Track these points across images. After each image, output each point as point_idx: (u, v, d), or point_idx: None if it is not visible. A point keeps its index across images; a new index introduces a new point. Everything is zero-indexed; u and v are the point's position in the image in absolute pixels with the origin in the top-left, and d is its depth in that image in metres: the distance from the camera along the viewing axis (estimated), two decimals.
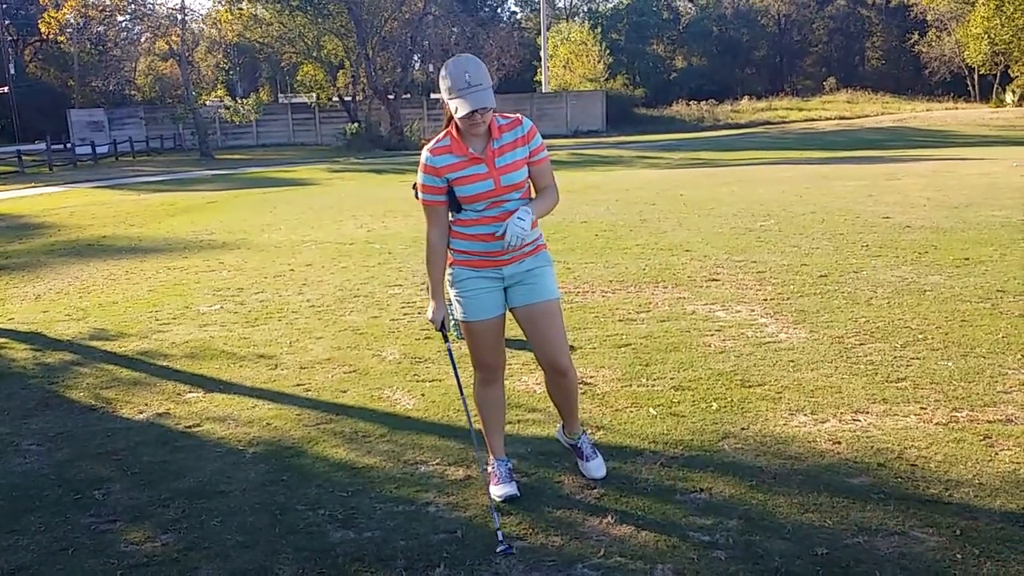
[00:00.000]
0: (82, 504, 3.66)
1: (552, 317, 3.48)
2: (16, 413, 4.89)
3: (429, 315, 3.52)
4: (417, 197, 3.47)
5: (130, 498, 3.70)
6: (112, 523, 3.48)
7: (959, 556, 2.95)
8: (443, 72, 3.24)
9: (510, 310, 3.53)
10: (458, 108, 3.21)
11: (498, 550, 3.10)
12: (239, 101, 40.54)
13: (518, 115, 3.46)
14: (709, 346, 5.51)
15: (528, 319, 3.48)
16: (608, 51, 53.48)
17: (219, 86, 46.38)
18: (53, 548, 3.29)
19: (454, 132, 3.35)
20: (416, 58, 48.61)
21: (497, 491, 3.53)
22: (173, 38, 38.22)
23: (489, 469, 3.66)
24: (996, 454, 3.74)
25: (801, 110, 50.54)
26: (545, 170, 3.49)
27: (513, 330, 3.71)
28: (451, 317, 6.04)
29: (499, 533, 3.18)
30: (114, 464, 4.08)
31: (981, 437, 3.91)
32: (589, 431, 4.12)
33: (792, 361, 5.12)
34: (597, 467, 3.70)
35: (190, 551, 3.21)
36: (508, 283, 3.48)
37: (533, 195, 3.50)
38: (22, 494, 3.79)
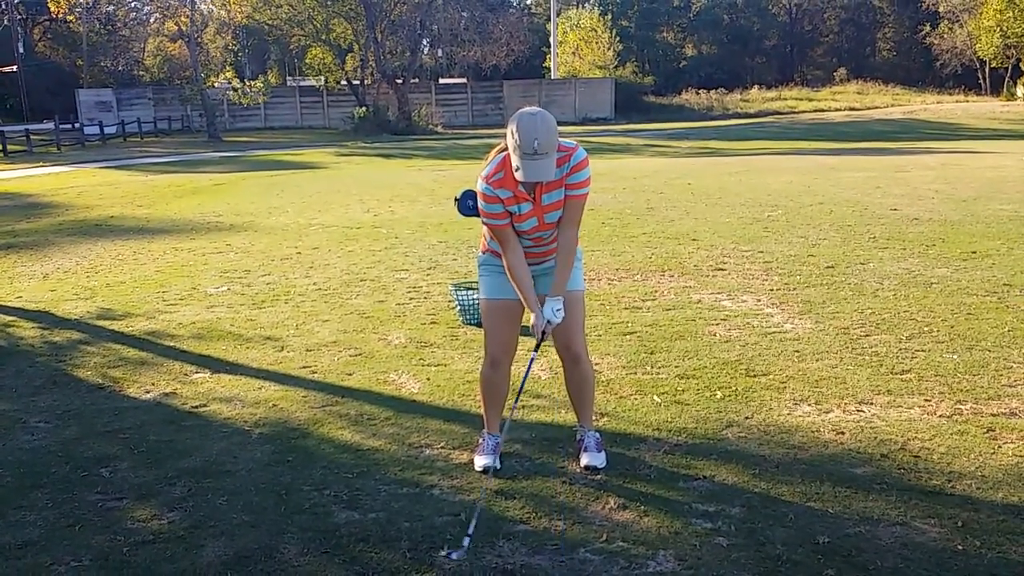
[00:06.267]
0: (89, 481, 3.69)
1: (571, 304, 3.55)
2: (24, 391, 4.92)
3: (532, 330, 3.48)
4: (459, 210, 3.53)
5: (137, 476, 3.73)
6: (119, 500, 3.51)
7: (960, 547, 2.96)
8: (513, 125, 3.22)
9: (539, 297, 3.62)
10: (518, 169, 3.23)
11: (442, 553, 2.98)
12: (247, 83, 40.52)
13: (573, 146, 3.37)
14: (714, 335, 5.52)
15: None
16: (618, 38, 53.25)
17: (228, 68, 46.45)
18: (60, 524, 3.32)
19: (508, 167, 3.34)
20: (425, 43, 48.48)
21: (479, 461, 3.69)
22: (182, 19, 38.20)
23: (479, 440, 3.81)
24: (999, 447, 3.75)
25: (811, 100, 50.35)
26: (575, 207, 3.42)
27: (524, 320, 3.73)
28: (456, 302, 6.07)
29: (467, 539, 3.01)
30: (121, 442, 4.11)
31: (984, 430, 3.92)
32: (593, 417, 4.14)
33: (797, 351, 5.13)
34: (591, 458, 3.64)
35: (196, 529, 3.24)
36: (534, 274, 3.58)
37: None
38: (30, 470, 3.82)
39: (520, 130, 3.18)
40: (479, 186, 3.41)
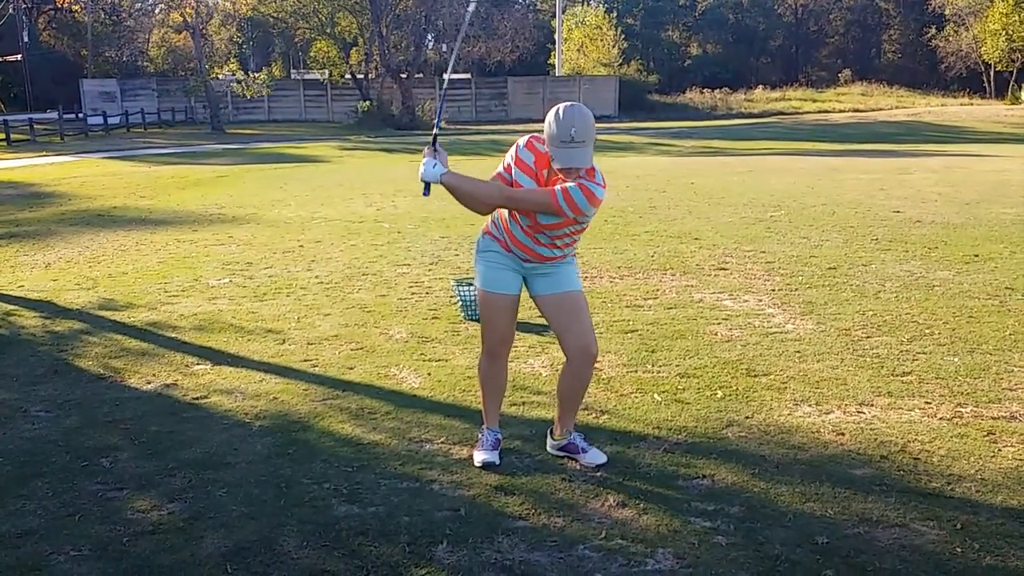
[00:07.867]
0: (89, 471, 3.70)
1: (581, 303, 3.60)
2: (25, 380, 4.93)
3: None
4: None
5: (137, 467, 3.73)
6: (119, 491, 3.51)
7: (959, 550, 2.96)
8: (551, 117, 3.30)
9: (533, 298, 3.65)
10: (554, 158, 3.30)
11: None
12: (251, 75, 40.45)
13: (600, 181, 3.40)
14: (716, 335, 5.52)
15: (556, 306, 3.59)
16: (623, 36, 53.12)
17: (232, 60, 46.34)
18: (60, 513, 3.32)
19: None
20: (430, 37, 48.36)
21: (478, 456, 3.70)
22: (187, 10, 38.09)
23: (479, 436, 3.81)
24: (999, 450, 3.75)
25: (815, 101, 50.21)
26: (519, 189, 3.42)
27: (522, 314, 3.73)
28: (458, 298, 6.07)
29: None
30: (122, 433, 4.11)
31: (985, 433, 3.92)
32: (593, 415, 4.16)
33: (798, 352, 5.13)
34: (596, 455, 3.68)
35: (195, 520, 3.24)
36: (526, 273, 3.61)
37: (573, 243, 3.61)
38: (30, 459, 3.83)
39: (557, 119, 3.27)
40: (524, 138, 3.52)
